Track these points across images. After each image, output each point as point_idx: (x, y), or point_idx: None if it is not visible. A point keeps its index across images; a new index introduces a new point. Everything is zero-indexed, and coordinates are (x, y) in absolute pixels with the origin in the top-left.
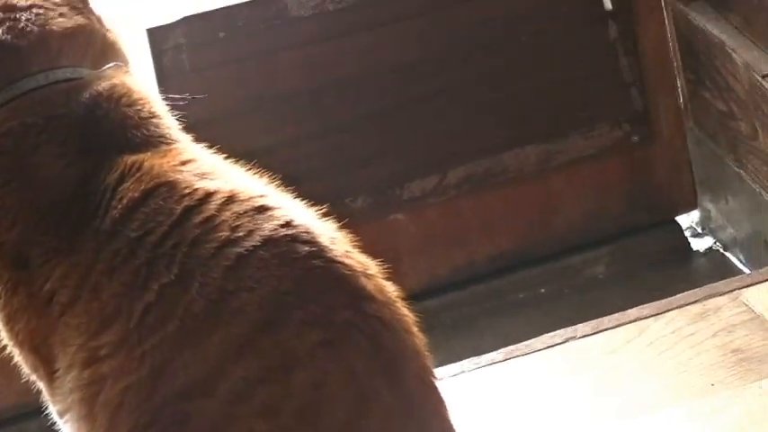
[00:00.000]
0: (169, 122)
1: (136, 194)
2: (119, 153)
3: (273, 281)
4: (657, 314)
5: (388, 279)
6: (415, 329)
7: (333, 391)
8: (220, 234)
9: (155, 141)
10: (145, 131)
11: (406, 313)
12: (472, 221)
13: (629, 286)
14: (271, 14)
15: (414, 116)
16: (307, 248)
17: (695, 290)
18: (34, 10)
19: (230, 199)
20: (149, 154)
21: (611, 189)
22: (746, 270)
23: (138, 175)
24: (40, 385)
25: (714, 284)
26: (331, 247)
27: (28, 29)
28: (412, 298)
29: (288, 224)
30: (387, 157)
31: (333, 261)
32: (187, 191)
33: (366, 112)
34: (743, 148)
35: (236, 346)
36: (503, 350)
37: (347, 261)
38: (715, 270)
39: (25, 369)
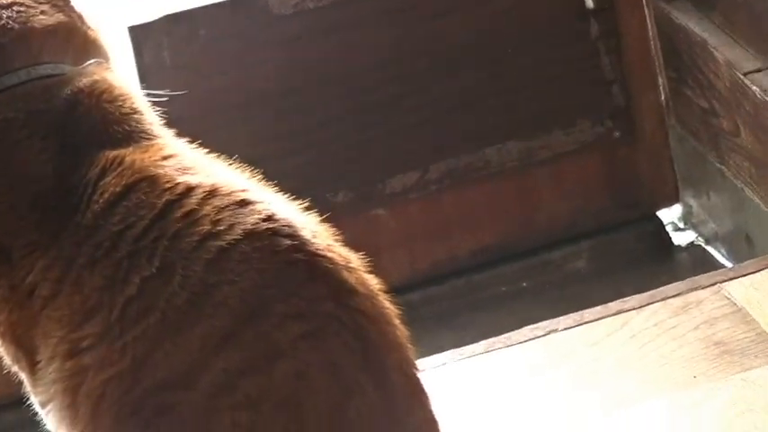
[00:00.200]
0: (151, 118)
1: (117, 189)
2: (100, 148)
3: (255, 274)
4: (640, 307)
5: (369, 272)
6: (397, 322)
7: (315, 383)
8: (201, 228)
9: (136, 137)
10: (126, 127)
11: (388, 306)
12: (453, 216)
13: (611, 281)
14: (252, 12)
15: (395, 112)
16: (288, 242)
17: (677, 283)
18: (15, 8)
19: (212, 193)
20: (131, 149)
21: (593, 185)
22: (728, 264)
23: (119, 169)
24: (22, 376)
25: (696, 278)
26: (313, 240)
27: (9, 26)
28: (394, 291)
29: (269, 218)
30: (368, 153)
31: (314, 254)
32: (168, 185)
33: (347, 108)
34: (725, 145)
35: (218, 338)
36: (484, 342)
37: (329, 254)
38: (697, 264)
39: (6, 360)
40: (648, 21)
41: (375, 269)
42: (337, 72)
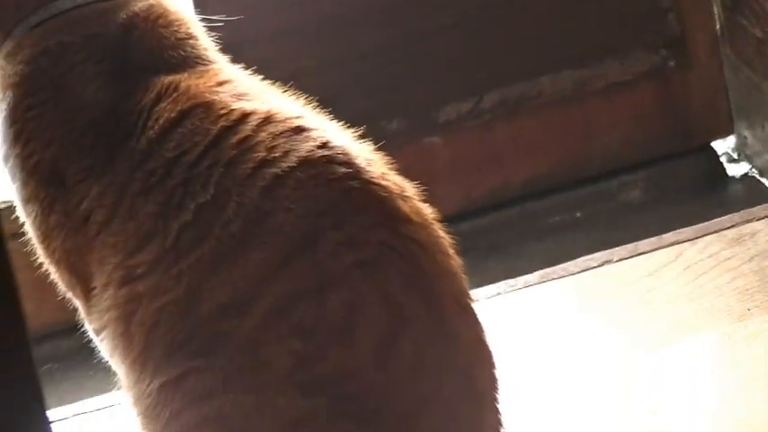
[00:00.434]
0: (206, 43)
1: (172, 115)
2: (155, 74)
3: (309, 201)
4: (694, 238)
5: (423, 201)
6: (451, 252)
7: (368, 312)
8: (257, 155)
9: (191, 62)
10: (181, 52)
11: (443, 235)
12: (507, 145)
13: (665, 211)
14: None
15: (449, 40)
16: (343, 169)
17: (732, 215)
18: None
19: (267, 120)
20: (186, 75)
21: (647, 114)
22: None
23: (174, 95)
24: (76, 303)
25: (750, 209)
26: (367, 168)
27: None
28: (447, 221)
29: (325, 145)
30: (422, 81)
31: (369, 182)
32: (223, 111)
33: (402, 36)
34: None
35: (273, 265)
36: (538, 273)
37: (384, 183)
38: (750, 196)
39: (61, 287)
40: None
41: (429, 198)
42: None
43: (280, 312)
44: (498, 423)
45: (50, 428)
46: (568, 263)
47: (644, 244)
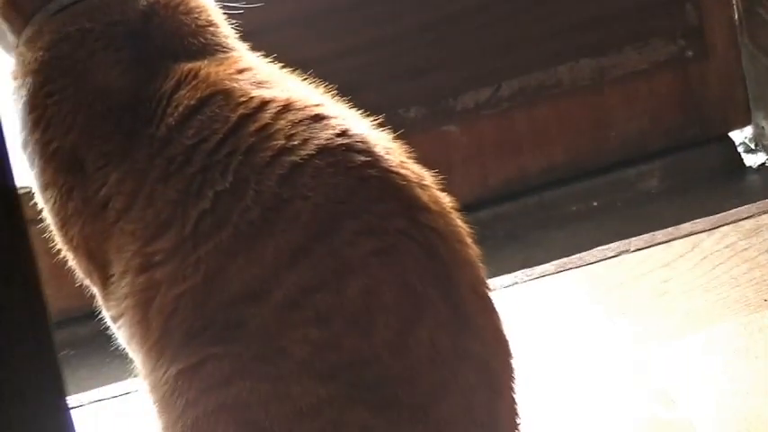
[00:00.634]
0: (226, 31)
1: (192, 102)
2: (175, 61)
3: (328, 189)
4: (711, 229)
5: (441, 190)
6: (468, 240)
7: (386, 300)
8: (275, 142)
9: (211, 50)
10: (201, 39)
11: (460, 224)
12: (525, 134)
13: (682, 201)
14: None
15: (468, 28)
16: (362, 158)
17: (749, 205)
18: None
19: (286, 108)
20: (206, 62)
21: (664, 104)
22: None
23: (194, 82)
24: (94, 290)
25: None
26: (386, 156)
27: None
28: (464, 209)
29: (344, 133)
30: (440, 69)
31: (388, 171)
32: (243, 99)
33: (421, 24)
34: None
35: (290, 253)
36: (555, 262)
37: (402, 171)
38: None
39: (79, 273)
40: None
41: (446, 186)
42: None
43: (297, 300)
44: (514, 412)
45: (70, 415)
46: (585, 252)
47: (660, 234)
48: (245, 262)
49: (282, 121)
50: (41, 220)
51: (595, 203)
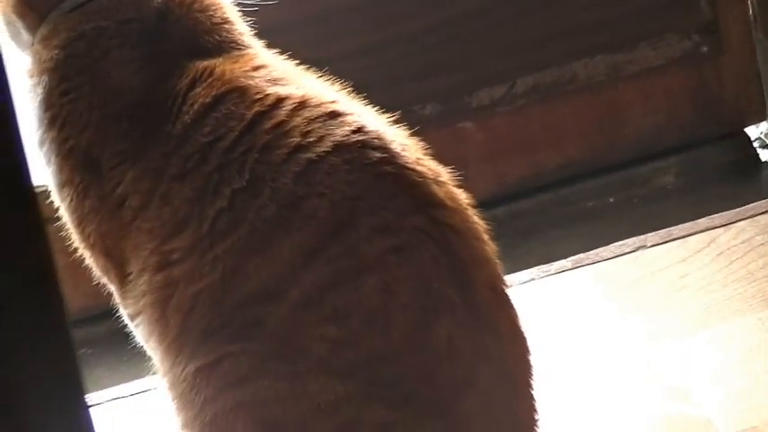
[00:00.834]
0: (241, 28)
1: (207, 100)
2: (190, 58)
3: (344, 186)
4: (728, 224)
5: (457, 186)
6: (485, 237)
7: (403, 298)
8: (291, 140)
9: (226, 47)
10: (217, 37)
11: (477, 221)
12: (540, 130)
13: (698, 197)
14: None
15: (483, 25)
16: (378, 154)
17: (766, 200)
18: None
19: (301, 105)
20: (221, 59)
21: (679, 100)
22: None
23: (209, 80)
24: (111, 288)
25: None
26: (402, 153)
27: None
28: (481, 206)
29: (359, 130)
30: (456, 66)
31: (404, 167)
32: (258, 96)
33: (436, 21)
34: None
35: (307, 251)
36: (572, 258)
37: (418, 168)
38: None
39: (96, 272)
40: None
41: (462, 183)
42: None
43: (314, 298)
44: (533, 409)
45: (89, 413)
46: (602, 248)
47: (677, 230)
48: (262, 260)
49: (298, 119)
50: (58, 219)
51: (611, 200)
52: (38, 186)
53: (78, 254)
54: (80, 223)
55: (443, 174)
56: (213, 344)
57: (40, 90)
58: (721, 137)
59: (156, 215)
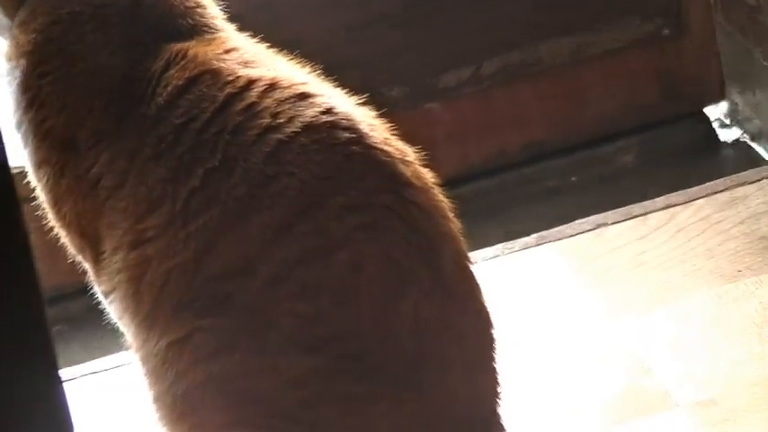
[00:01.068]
0: (214, 12)
1: (180, 82)
2: (164, 41)
3: (313, 166)
4: (686, 202)
5: (424, 166)
6: (450, 215)
7: (371, 273)
8: (262, 121)
9: (200, 30)
10: (190, 20)
11: (443, 199)
12: (506, 111)
13: (658, 175)
14: None
15: (449, 8)
16: (347, 135)
17: (723, 179)
18: None
19: (272, 86)
20: (194, 42)
21: (641, 81)
22: None
23: (182, 62)
24: (86, 266)
25: (741, 174)
26: (370, 133)
27: None
28: (446, 184)
29: (328, 111)
30: (423, 48)
31: (372, 147)
32: (230, 78)
33: (403, 4)
34: None
35: (277, 228)
36: (535, 235)
37: (386, 147)
38: (742, 160)
39: (71, 250)
40: None
41: (429, 162)
42: None
43: (283, 274)
44: (495, 382)
45: (63, 388)
46: (564, 226)
47: (637, 207)
48: (233, 238)
49: (269, 100)
50: (35, 199)
51: (574, 179)
52: (15, 167)
53: (55, 233)
54: (56, 203)
55: (410, 153)
56: (184, 319)
57: (18, 73)
58: (681, 117)
59: (130, 194)
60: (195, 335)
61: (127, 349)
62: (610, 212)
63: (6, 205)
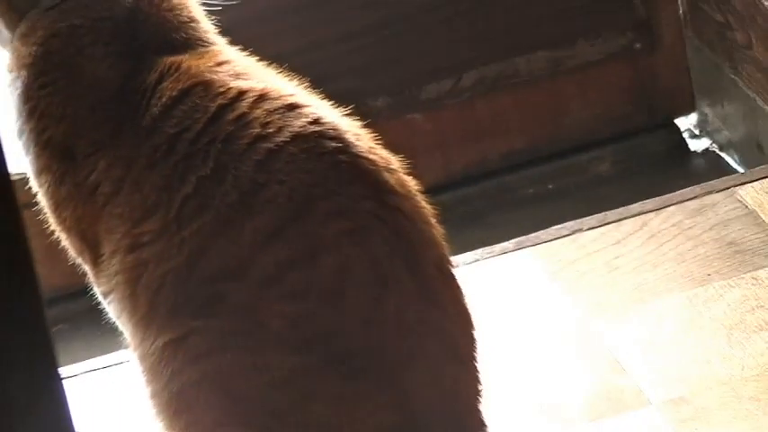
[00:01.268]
0: (206, 26)
1: (174, 93)
2: (159, 54)
3: (302, 174)
4: (658, 209)
5: (407, 174)
6: (433, 221)
7: (356, 276)
8: (252, 130)
9: (193, 44)
10: (183, 34)
11: (425, 206)
12: (485, 122)
13: (631, 183)
14: None
15: (431, 22)
16: (333, 144)
17: (693, 187)
18: None
19: (262, 97)
20: (187, 55)
21: (615, 93)
22: (740, 169)
23: (176, 74)
24: (86, 268)
25: (711, 182)
26: (356, 143)
27: None
28: (429, 192)
29: (316, 121)
30: (406, 61)
31: (357, 156)
32: (221, 90)
33: (386, 19)
34: (738, 57)
35: (267, 233)
36: (514, 240)
37: (371, 156)
38: (711, 169)
39: (71, 253)
40: None
41: (412, 170)
42: None
43: (273, 277)
44: (476, 380)
45: (62, 384)
46: (541, 231)
47: (611, 214)
48: (225, 242)
49: (258, 110)
50: (36, 204)
51: (551, 186)
52: (16, 174)
53: (55, 236)
54: (57, 208)
55: (394, 162)
56: (179, 320)
57: (19, 84)
58: (654, 128)
59: (126, 201)
60: (190, 336)
61: (125, 347)
62: (585, 219)
63: (7, 211)
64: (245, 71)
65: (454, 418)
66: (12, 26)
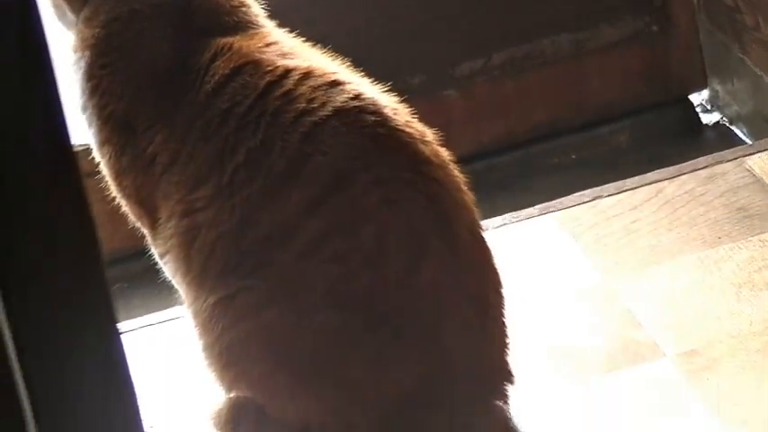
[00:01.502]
0: (256, 10)
1: (226, 71)
2: (212, 36)
3: (343, 146)
4: (672, 177)
5: (441, 145)
6: (465, 188)
7: (395, 241)
8: (298, 105)
9: (243, 26)
10: (235, 18)
11: (458, 174)
12: (514, 97)
13: (648, 154)
14: None
15: (465, 6)
16: (373, 118)
17: (705, 157)
18: None
19: (307, 75)
20: (239, 37)
21: (633, 71)
22: (749, 141)
23: (228, 54)
24: (144, 231)
25: (721, 153)
26: (394, 116)
27: None
28: (461, 161)
29: (357, 97)
30: (440, 42)
31: (395, 129)
32: (270, 68)
33: (423, 5)
34: (747, 38)
35: (311, 202)
36: (539, 206)
37: (407, 129)
38: (722, 141)
39: (131, 217)
40: None
41: (446, 142)
42: None
43: (318, 242)
44: (504, 334)
45: (120, 338)
46: (564, 198)
47: (629, 182)
48: (273, 209)
49: (304, 87)
50: (99, 173)
51: (573, 156)
52: (80, 145)
53: (116, 203)
54: (117, 177)
55: (429, 134)
56: (230, 280)
57: (82, 63)
58: (669, 103)
59: (182, 170)
60: (238, 294)
61: (180, 304)
62: (605, 186)
63: (72, 180)
64: (292, 51)
65: (485, 369)
66: (77, 10)
